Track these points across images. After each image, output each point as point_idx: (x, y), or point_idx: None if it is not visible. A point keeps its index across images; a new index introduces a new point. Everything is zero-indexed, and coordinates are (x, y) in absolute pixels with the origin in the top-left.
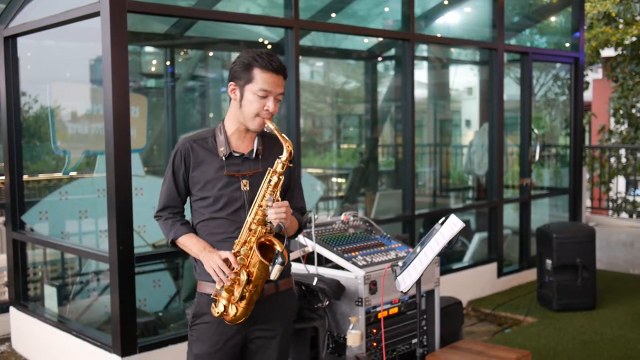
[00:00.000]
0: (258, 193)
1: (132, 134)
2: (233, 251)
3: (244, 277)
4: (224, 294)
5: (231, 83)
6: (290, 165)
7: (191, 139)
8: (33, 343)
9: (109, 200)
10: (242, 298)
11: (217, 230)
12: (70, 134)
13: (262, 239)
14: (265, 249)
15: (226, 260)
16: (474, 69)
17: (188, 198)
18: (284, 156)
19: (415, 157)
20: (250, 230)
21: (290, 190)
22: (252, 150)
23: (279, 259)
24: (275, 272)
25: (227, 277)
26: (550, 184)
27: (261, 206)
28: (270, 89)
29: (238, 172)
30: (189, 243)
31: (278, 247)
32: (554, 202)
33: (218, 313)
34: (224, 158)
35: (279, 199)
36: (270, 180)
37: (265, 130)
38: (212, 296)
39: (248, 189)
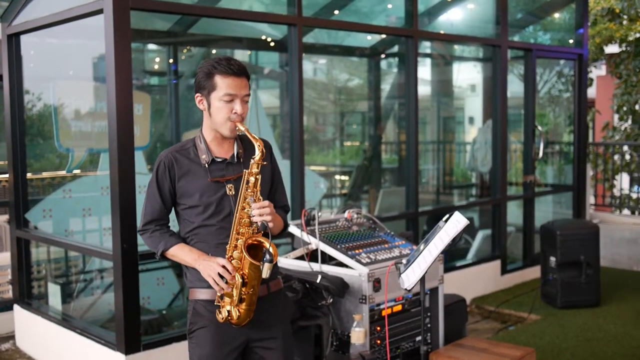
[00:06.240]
0: (239, 196)
1: (136, 131)
2: (227, 256)
3: (239, 280)
4: (226, 299)
5: (197, 94)
6: (264, 163)
7: (173, 150)
8: (37, 341)
9: (112, 198)
10: (241, 300)
11: (208, 237)
12: (74, 132)
13: (250, 241)
14: (256, 249)
15: (223, 267)
16: (477, 65)
17: (173, 208)
18: (257, 156)
19: (418, 155)
20: (238, 233)
21: (274, 188)
22: (234, 154)
23: (267, 257)
24: (265, 270)
25: (227, 283)
26: (554, 181)
27: (244, 208)
28: (234, 92)
29: (222, 177)
30: (181, 253)
31: (267, 245)
32: (557, 199)
33: (223, 319)
34: (206, 165)
35: (260, 198)
36: (247, 182)
37: (239, 133)
38: (215, 303)
39: (233, 193)
